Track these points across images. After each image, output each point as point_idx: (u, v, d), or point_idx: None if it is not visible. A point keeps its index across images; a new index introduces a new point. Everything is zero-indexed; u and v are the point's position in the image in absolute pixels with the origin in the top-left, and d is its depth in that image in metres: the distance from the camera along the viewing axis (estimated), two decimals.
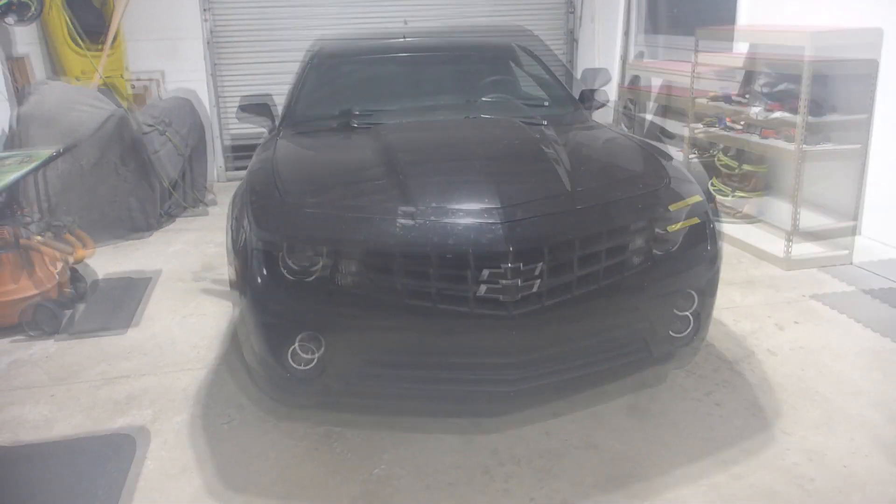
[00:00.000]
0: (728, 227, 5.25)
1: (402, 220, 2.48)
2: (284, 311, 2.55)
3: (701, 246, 2.77)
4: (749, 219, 5.34)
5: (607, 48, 7.51)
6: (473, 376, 2.50)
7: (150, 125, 5.94)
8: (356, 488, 2.57)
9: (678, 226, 2.66)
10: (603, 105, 4.25)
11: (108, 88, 6.56)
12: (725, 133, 5.15)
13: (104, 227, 5.40)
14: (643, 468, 2.64)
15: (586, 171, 2.88)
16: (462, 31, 4.19)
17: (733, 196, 5.35)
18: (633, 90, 6.69)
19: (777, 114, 4.67)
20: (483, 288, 2.40)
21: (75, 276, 4.33)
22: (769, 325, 3.79)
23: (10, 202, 3.80)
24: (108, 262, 5.03)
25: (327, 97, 3.95)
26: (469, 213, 2.48)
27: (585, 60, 8.04)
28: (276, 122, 3.84)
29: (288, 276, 2.57)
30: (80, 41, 6.34)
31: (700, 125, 5.44)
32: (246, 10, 7.50)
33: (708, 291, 2.79)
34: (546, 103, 4.02)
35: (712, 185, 5.53)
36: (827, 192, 4.84)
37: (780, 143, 4.65)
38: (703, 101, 5.40)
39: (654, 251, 2.73)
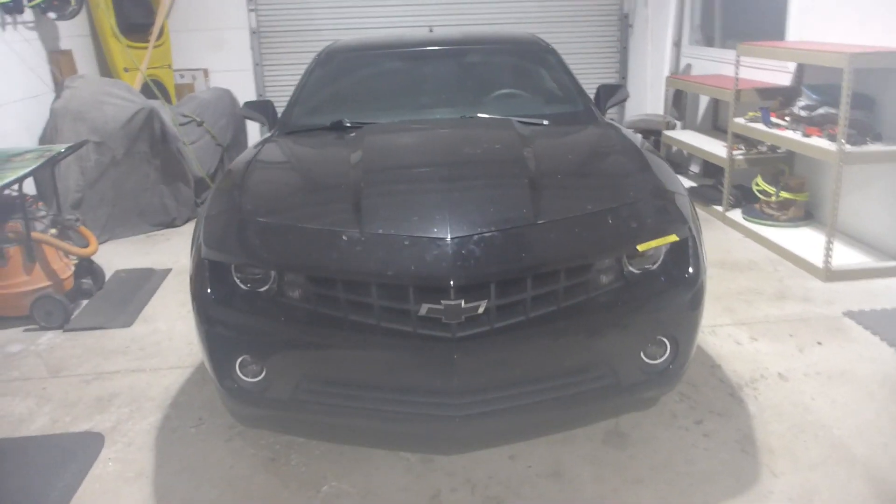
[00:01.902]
0: (769, 231, 4.89)
1: (347, 242, 2.38)
2: (230, 325, 2.48)
3: (680, 266, 2.53)
4: (794, 222, 4.95)
5: (659, 36, 7.14)
6: (416, 399, 2.38)
7: (186, 117, 6.04)
8: None
9: (650, 245, 2.43)
10: (622, 101, 4.00)
11: (155, 81, 6.72)
12: (770, 130, 4.76)
13: (136, 218, 5.54)
14: None
15: (558, 191, 2.66)
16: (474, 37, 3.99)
17: (778, 197, 4.97)
18: (681, 80, 6.32)
19: (813, 139, 4.31)
20: (424, 308, 2.27)
21: (92, 269, 4.43)
22: (789, 345, 3.48)
23: (22, 197, 3.89)
24: (133, 253, 5.15)
25: (328, 97, 3.86)
26: (415, 241, 2.34)
27: (638, 45, 7.68)
28: (274, 123, 3.78)
29: (239, 287, 2.52)
30: (124, 35, 6.50)
31: (743, 119, 5.07)
32: (290, 2, 7.51)
33: (687, 316, 2.55)
34: (553, 101, 3.81)
35: (756, 184, 5.16)
36: (876, 200, 4.43)
37: (823, 143, 4.26)
38: (741, 121, 5.06)
39: (631, 269, 2.53)
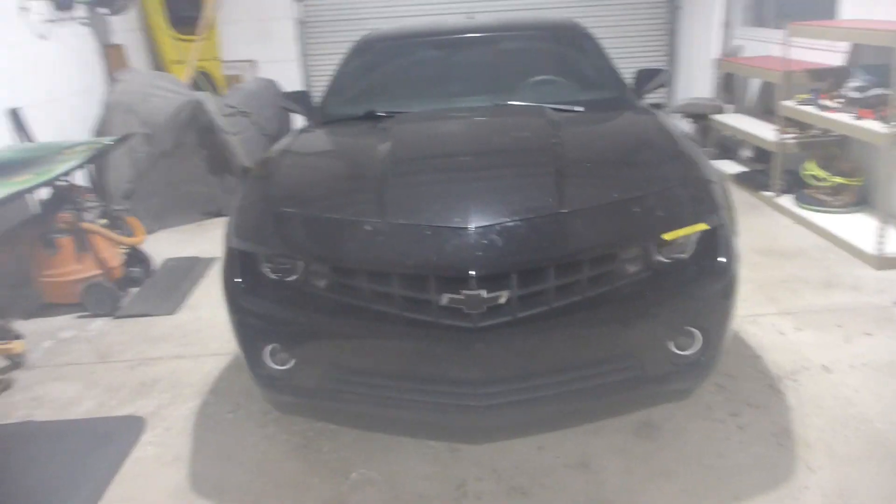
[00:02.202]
0: (820, 217, 4.72)
1: (370, 232, 2.40)
2: (259, 314, 2.53)
3: (710, 256, 2.47)
4: (847, 207, 4.77)
5: (708, 17, 6.93)
6: (439, 388, 2.38)
7: (232, 108, 6.15)
8: (328, 492, 2.53)
9: (677, 234, 2.38)
10: (662, 85, 3.90)
11: (203, 73, 6.87)
12: (820, 113, 4.59)
13: (185, 207, 5.68)
14: (629, 496, 2.42)
15: (585, 180, 2.63)
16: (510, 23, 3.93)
17: (830, 182, 4.79)
18: (730, 62, 6.13)
19: (865, 122, 4.14)
20: (446, 298, 2.27)
21: (141, 258, 4.57)
22: (835, 336, 3.36)
23: (72, 188, 4.04)
24: (182, 242, 5.29)
25: (363, 86, 3.88)
26: (436, 231, 2.34)
27: (686, 27, 7.48)
28: (310, 113, 3.83)
29: (268, 276, 2.56)
30: (174, 28, 6.65)
31: (792, 102, 4.89)
32: None
33: (718, 307, 2.49)
34: (589, 87, 3.75)
35: (807, 169, 4.98)
36: None
37: (875, 125, 4.08)
38: (791, 104, 4.89)
39: (660, 258, 2.47)
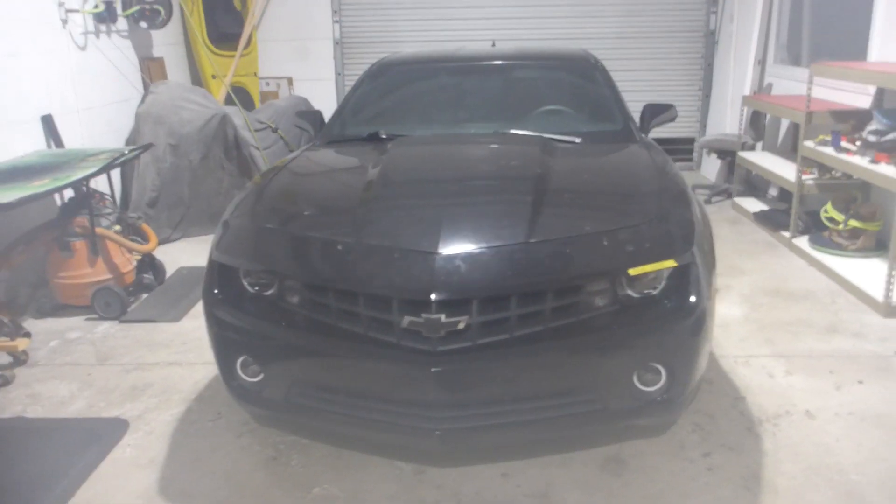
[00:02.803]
0: (834, 261, 4.62)
1: (341, 251, 2.47)
2: (233, 325, 2.60)
3: (680, 293, 2.45)
4: (864, 252, 4.65)
5: (742, 53, 6.87)
6: (399, 410, 2.41)
7: (262, 123, 6.33)
8: None
9: (643, 269, 2.37)
10: (669, 121, 3.89)
11: (239, 88, 7.08)
12: (836, 155, 4.51)
13: (207, 219, 5.83)
14: None
15: (562, 211, 2.66)
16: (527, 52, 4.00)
17: (846, 225, 4.69)
18: (756, 100, 6.06)
19: (881, 166, 4.06)
20: (406, 320, 2.31)
21: (154, 265, 4.72)
22: (826, 382, 3.28)
23: (88, 194, 4.20)
24: (200, 252, 5.41)
25: (372, 109, 3.97)
26: (404, 254, 2.39)
27: (722, 62, 7.43)
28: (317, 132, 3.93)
29: (247, 290, 2.64)
30: (215, 43, 6.89)
31: (812, 143, 4.82)
32: (373, 13, 7.73)
33: (685, 345, 2.47)
34: (593, 119, 3.77)
35: (825, 211, 4.89)
36: None
37: (890, 170, 3.99)
38: (811, 144, 4.83)
39: (630, 293, 2.47)
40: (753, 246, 5.27)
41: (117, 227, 4.44)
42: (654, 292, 2.49)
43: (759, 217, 5.68)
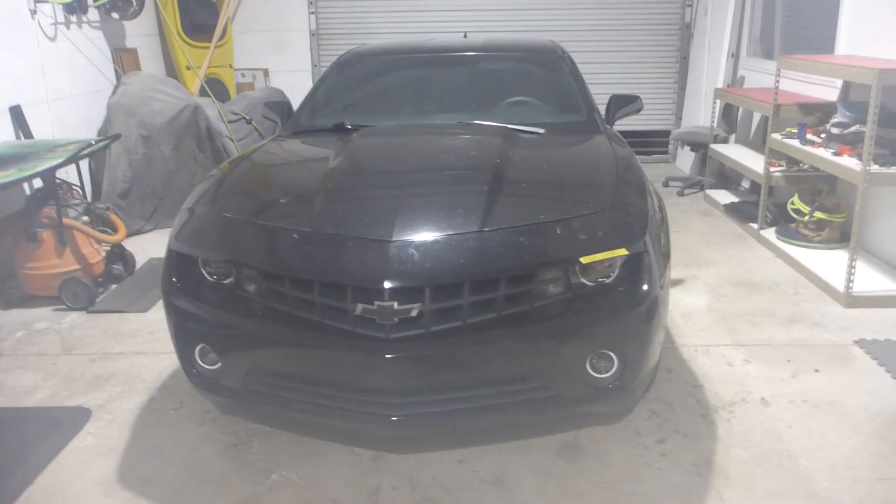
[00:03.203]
0: (799, 252, 4.68)
1: (297, 240, 2.49)
2: (191, 314, 2.61)
3: (632, 281, 2.49)
4: (829, 243, 4.72)
5: (716, 47, 6.93)
6: (353, 397, 2.44)
7: (236, 114, 6.31)
8: (246, 491, 2.59)
9: (594, 258, 2.41)
10: (634, 113, 3.93)
11: (214, 79, 7.06)
12: (801, 147, 4.57)
13: (179, 209, 5.81)
14: None
15: (516, 200, 2.69)
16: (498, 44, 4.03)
17: (811, 217, 4.75)
18: (727, 93, 6.12)
19: (843, 158, 4.12)
20: (360, 307, 2.33)
21: (123, 255, 4.71)
22: (783, 370, 3.34)
23: (55, 185, 4.19)
24: None
25: (339, 100, 3.98)
26: (358, 242, 2.42)
27: (696, 55, 7.48)
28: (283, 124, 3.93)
29: (206, 278, 2.66)
30: (189, 34, 6.86)
31: (779, 135, 4.88)
32: (350, 4, 7.74)
33: (637, 332, 2.51)
34: (558, 110, 3.80)
35: (791, 203, 4.95)
36: None
37: (851, 162, 4.05)
38: (778, 137, 4.89)
39: (584, 281, 2.51)
40: (722, 238, 5.33)
41: (85, 218, 4.43)
42: (608, 281, 2.52)
43: (730, 209, 5.74)
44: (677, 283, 4.42)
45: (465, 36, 5.11)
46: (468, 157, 3.03)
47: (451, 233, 2.42)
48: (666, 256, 2.73)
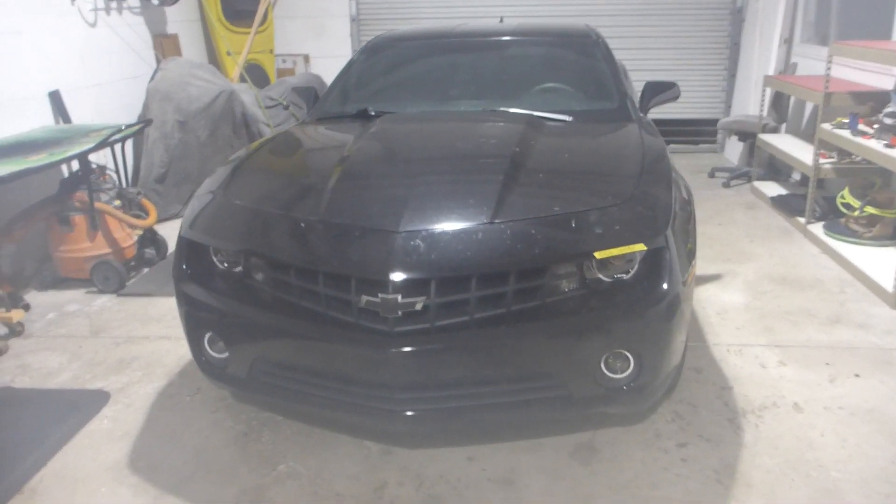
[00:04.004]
0: (848, 249, 4.44)
1: (304, 229, 2.44)
2: (200, 302, 2.59)
3: (651, 279, 2.36)
4: (880, 240, 4.47)
5: (768, 32, 6.63)
6: (357, 390, 2.38)
7: (273, 100, 6.32)
8: (251, 482, 2.57)
9: (609, 253, 2.29)
10: (670, 101, 3.76)
11: (254, 65, 7.08)
12: (852, 138, 4.33)
13: None
14: None
15: (532, 191, 2.58)
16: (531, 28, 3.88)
17: (862, 212, 4.50)
18: (777, 80, 5.84)
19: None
20: (364, 300, 2.27)
21: (155, 240, 4.75)
22: (820, 374, 3.16)
23: (87, 170, 4.23)
24: None
25: (365, 86, 3.92)
26: (365, 233, 2.35)
27: (748, 40, 7.19)
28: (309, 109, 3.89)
29: (216, 266, 2.63)
30: (230, 20, 6.89)
31: (829, 125, 4.63)
32: None
33: (655, 332, 2.38)
34: (589, 97, 3.66)
35: (841, 197, 4.70)
36: None
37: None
38: (828, 126, 4.64)
39: (601, 277, 2.40)
40: (767, 231, 5.10)
41: (117, 202, 4.47)
42: (626, 277, 2.40)
43: (777, 202, 5.50)
44: (714, 278, 4.24)
45: (501, 20, 4.99)
46: (487, 146, 2.93)
47: (459, 224, 2.33)
48: (691, 252, 2.59)
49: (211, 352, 2.65)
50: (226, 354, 2.62)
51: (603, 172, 2.78)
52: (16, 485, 2.58)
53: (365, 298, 2.26)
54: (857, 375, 3.14)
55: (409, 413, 2.33)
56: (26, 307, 4.06)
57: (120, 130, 4.28)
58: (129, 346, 3.62)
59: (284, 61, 7.75)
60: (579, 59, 3.87)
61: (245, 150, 3.26)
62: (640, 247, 2.32)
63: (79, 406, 3.08)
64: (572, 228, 2.34)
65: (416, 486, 2.51)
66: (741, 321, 3.70)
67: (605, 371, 2.40)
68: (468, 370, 2.34)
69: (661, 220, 2.42)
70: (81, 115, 5.14)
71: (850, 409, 2.89)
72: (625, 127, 3.27)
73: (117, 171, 4.78)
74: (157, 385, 3.24)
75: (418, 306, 2.24)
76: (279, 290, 2.45)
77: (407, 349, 2.26)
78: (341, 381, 2.40)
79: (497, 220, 2.34)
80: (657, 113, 7.28)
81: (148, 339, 3.70)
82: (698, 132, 7.70)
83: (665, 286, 2.35)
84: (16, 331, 3.75)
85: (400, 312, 2.24)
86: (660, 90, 3.67)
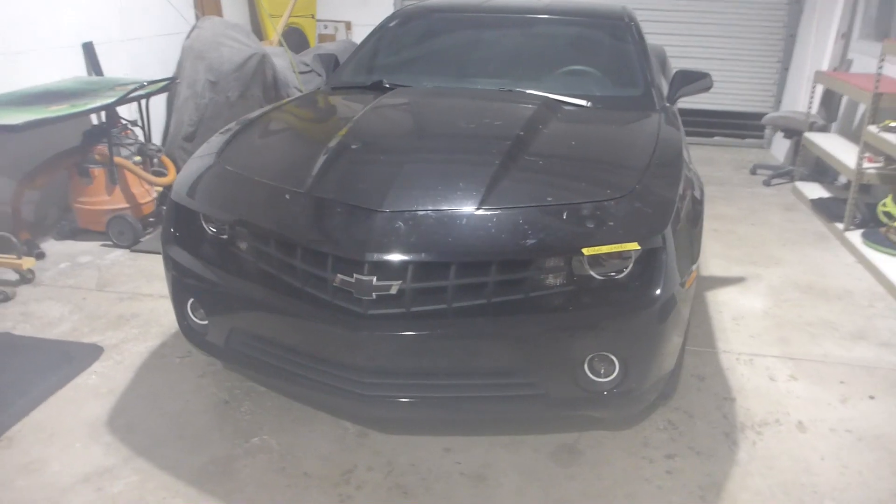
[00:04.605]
0: (885, 260, 4.20)
1: (288, 201, 2.36)
2: (184, 267, 2.54)
3: (643, 280, 2.23)
4: None
5: (824, 26, 6.28)
6: (327, 370, 2.31)
7: (307, 65, 6.26)
8: (222, 451, 2.53)
9: (599, 250, 2.16)
10: (701, 91, 3.56)
11: (295, 29, 7.02)
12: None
13: None
14: None
15: (528, 178, 2.45)
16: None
17: None
18: (827, 77, 5.53)
19: None
20: (338, 278, 2.19)
21: None
22: (832, 392, 2.99)
23: (111, 123, 4.24)
24: None
25: (385, 57, 3.81)
26: (347, 210, 2.26)
27: (804, 32, 6.83)
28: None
29: (206, 231, 2.59)
30: None
31: (876, 128, 4.36)
32: None
33: (643, 335, 2.25)
34: (614, 82, 3.50)
35: (883, 205, 4.44)
36: None
37: None
38: (874, 129, 4.36)
39: (592, 274, 2.27)
40: (801, 235, 4.86)
41: (137, 158, 4.48)
42: (619, 276, 2.27)
43: (816, 204, 5.24)
44: (735, 281, 4.06)
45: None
46: (491, 127, 2.81)
47: (443, 208, 2.23)
48: (694, 255, 2.45)
49: (193, 318, 2.62)
50: (206, 322, 2.58)
51: (608, 163, 2.63)
52: None
53: (340, 277, 2.19)
54: (871, 397, 2.96)
55: (376, 398, 2.26)
56: (40, 255, 4.10)
57: (143, 86, 4.27)
58: (132, 303, 3.63)
59: (326, 27, 7.68)
60: (608, 42, 3.69)
61: (249, 115, 3.20)
62: (634, 246, 2.18)
63: (71, 358, 3.10)
64: (563, 221, 2.22)
65: (384, 474, 2.45)
66: (756, 329, 3.52)
67: (589, 373, 2.28)
68: (442, 360, 2.25)
69: (661, 218, 2.27)
70: (115, 68, 5.15)
71: (857, 434, 2.72)
72: (645, 117, 3.11)
73: (143, 127, 4.78)
74: (150, 344, 3.23)
75: (393, 290, 2.16)
76: (260, 262, 2.40)
77: (379, 333, 2.18)
78: (312, 359, 2.34)
79: (484, 207, 2.24)
80: (701, 103, 7.05)
81: (151, 297, 3.71)
82: (745, 125, 7.40)
83: (658, 289, 2.21)
84: (26, 278, 3.80)
85: (374, 295, 2.16)
86: (690, 80, 3.47)
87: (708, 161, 6.87)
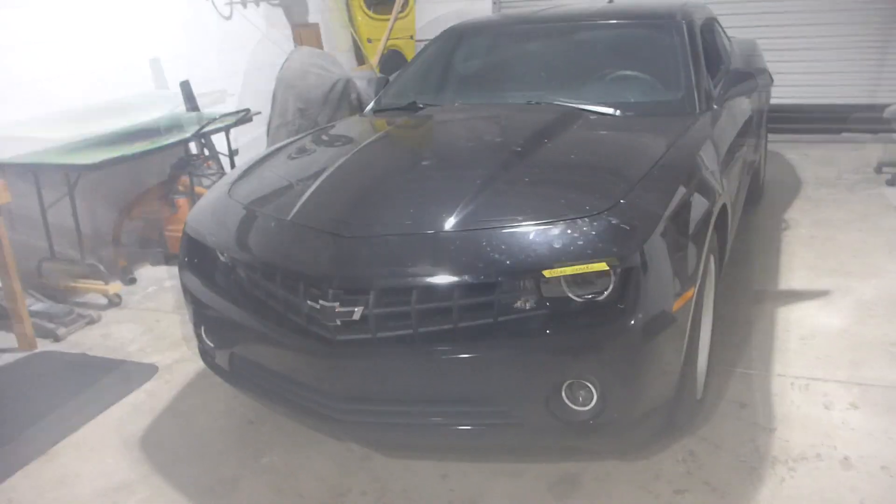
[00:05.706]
0: None
1: (271, 229, 2.44)
2: (194, 293, 2.69)
3: (622, 302, 2.08)
4: None
5: None
6: (307, 394, 2.34)
7: None
8: (234, 471, 2.64)
9: (562, 271, 2.03)
10: (747, 93, 3.29)
11: (394, 51, 7.23)
12: None
13: None
14: None
15: (508, 196, 2.37)
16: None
17: None
18: None
19: None
20: (307, 306, 2.23)
21: None
22: (891, 426, 2.62)
23: (190, 157, 4.58)
24: None
25: (427, 77, 3.83)
26: (319, 236, 2.29)
27: None
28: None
29: (219, 259, 2.73)
30: (372, 8, 7.08)
31: None
32: None
33: (621, 362, 2.09)
34: (653, 88, 3.30)
35: None
36: None
37: None
38: None
39: (570, 296, 2.15)
40: None
41: None
42: (599, 298, 2.13)
43: None
44: (817, 295, 3.66)
45: (611, 0, 4.63)
46: (490, 144, 2.74)
47: (406, 231, 2.20)
48: (691, 276, 2.24)
49: (207, 341, 2.75)
50: (214, 344, 2.71)
51: (600, 176, 2.49)
52: (43, 447, 2.87)
53: (309, 304, 2.22)
54: None
55: (349, 423, 2.26)
56: (132, 281, 4.49)
57: (213, 120, 4.56)
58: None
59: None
60: (653, 44, 3.48)
61: (277, 144, 3.33)
62: (602, 266, 2.04)
63: (129, 377, 3.36)
64: (527, 241, 2.12)
65: (376, 499, 2.44)
66: (826, 350, 3.16)
67: (567, 402, 2.15)
68: (411, 386, 2.21)
69: (638, 236, 2.11)
70: (211, 103, 5.56)
71: None
72: (675, 122, 2.90)
73: (230, 157, 5.11)
74: (200, 364, 3.42)
75: (356, 316, 2.16)
76: (250, 289, 2.49)
77: (349, 359, 2.19)
78: (295, 384, 2.39)
79: (448, 229, 2.19)
80: (800, 97, 6.51)
81: None
82: (874, 119, 6.67)
83: (635, 312, 2.06)
84: (113, 302, 4.17)
85: (338, 321, 2.17)
86: (736, 81, 3.21)
87: (827, 161, 6.26)
